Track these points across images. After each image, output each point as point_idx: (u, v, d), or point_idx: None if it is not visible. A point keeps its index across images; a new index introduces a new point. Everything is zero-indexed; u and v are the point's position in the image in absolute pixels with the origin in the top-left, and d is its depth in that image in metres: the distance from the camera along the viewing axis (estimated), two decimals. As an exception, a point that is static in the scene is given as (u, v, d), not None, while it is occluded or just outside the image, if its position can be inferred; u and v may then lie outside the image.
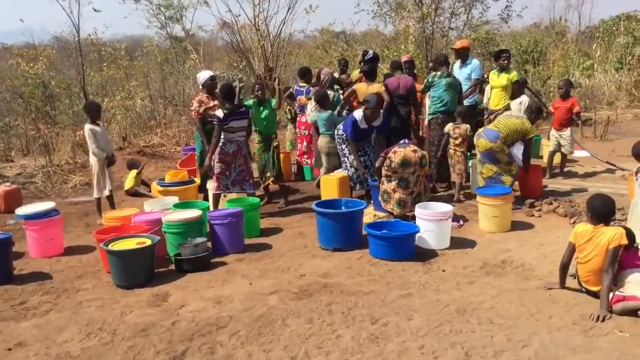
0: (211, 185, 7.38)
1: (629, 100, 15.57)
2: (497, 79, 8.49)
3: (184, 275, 5.42)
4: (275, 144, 7.63)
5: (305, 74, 9.12)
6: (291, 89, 9.20)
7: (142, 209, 6.74)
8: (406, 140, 6.60)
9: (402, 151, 6.41)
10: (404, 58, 9.12)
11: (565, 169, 8.85)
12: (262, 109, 7.51)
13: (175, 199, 6.99)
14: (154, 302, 4.83)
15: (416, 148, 6.54)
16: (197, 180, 8.06)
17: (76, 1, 11.51)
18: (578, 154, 9.42)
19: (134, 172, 8.98)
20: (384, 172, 6.55)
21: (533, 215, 6.89)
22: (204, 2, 14.65)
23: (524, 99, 8.29)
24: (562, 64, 16.40)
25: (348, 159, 7.36)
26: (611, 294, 4.30)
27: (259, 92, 7.53)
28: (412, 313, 4.41)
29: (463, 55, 8.74)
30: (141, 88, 14.63)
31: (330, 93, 8.00)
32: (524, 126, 6.97)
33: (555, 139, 8.56)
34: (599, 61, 17.03)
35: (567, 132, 8.49)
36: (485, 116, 8.58)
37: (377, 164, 6.58)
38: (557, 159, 8.93)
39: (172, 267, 5.64)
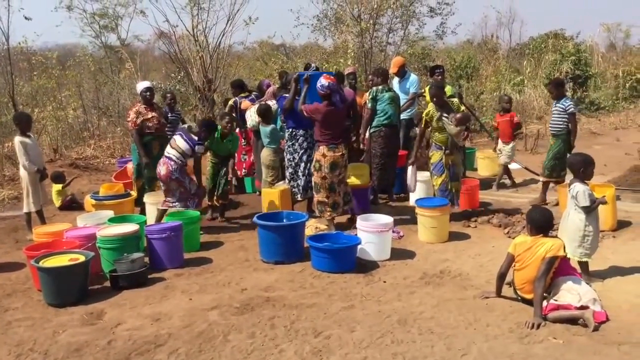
0: (149, 199, 7.21)
1: (556, 115, 16.27)
2: (432, 94, 8.68)
3: (120, 292, 5.24)
4: (225, 169, 7.58)
5: (241, 85, 9.27)
6: (231, 102, 9.14)
7: (75, 224, 6.49)
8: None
9: (331, 155, 6.65)
10: (347, 70, 9.18)
11: (499, 181, 9.14)
12: (225, 141, 7.49)
13: (110, 213, 6.78)
14: (88, 320, 4.64)
15: (343, 152, 6.77)
16: (134, 193, 7.85)
17: (5, 8, 11.13)
18: (510, 166, 9.77)
19: (58, 186, 8.64)
20: (315, 180, 6.77)
21: (469, 226, 7.08)
22: (140, 11, 14.43)
23: None
24: (494, 80, 17.00)
25: (300, 167, 7.31)
26: (545, 302, 4.46)
27: (229, 124, 7.44)
28: (355, 325, 4.43)
29: (400, 72, 8.90)
30: (74, 98, 14.14)
31: (274, 105, 7.98)
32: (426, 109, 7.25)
33: (503, 151, 8.95)
34: (529, 77, 17.78)
35: (510, 145, 8.91)
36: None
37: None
38: (491, 170, 9.27)
39: (107, 284, 5.44)
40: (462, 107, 7.11)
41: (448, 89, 8.75)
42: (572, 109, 7.55)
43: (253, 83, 13.03)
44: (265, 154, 7.73)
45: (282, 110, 7.41)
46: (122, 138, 12.76)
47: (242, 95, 8.98)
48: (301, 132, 7.21)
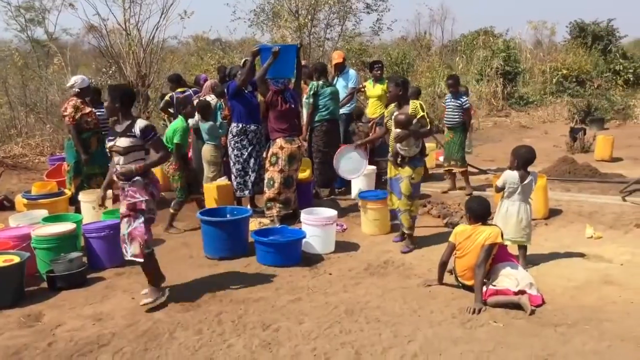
0: (85, 197, 6.93)
1: (488, 110, 16.88)
2: (372, 89, 8.80)
3: (58, 293, 5.05)
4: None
5: (178, 79, 9.12)
6: (167, 97, 8.95)
7: (7, 224, 6.20)
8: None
9: (289, 147, 6.69)
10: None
11: (433, 172, 9.43)
12: None
13: (44, 212, 6.50)
14: (26, 323, 4.45)
15: (300, 144, 6.83)
16: (68, 192, 7.56)
17: None
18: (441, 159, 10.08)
19: None
20: (269, 175, 6.69)
21: (410, 217, 7.23)
22: (69, 4, 13.88)
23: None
24: (429, 75, 17.41)
25: (249, 163, 7.18)
26: (485, 288, 4.63)
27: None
28: (303, 317, 4.45)
29: (340, 66, 8.97)
30: (-1, 94, 13.48)
31: (213, 100, 7.87)
32: None
33: None
34: (461, 73, 18.29)
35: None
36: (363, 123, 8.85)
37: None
38: (430, 163, 9.49)
39: (45, 285, 5.23)
40: (421, 113, 5.94)
41: (386, 85, 8.88)
42: (467, 105, 8.26)
43: (189, 78, 12.79)
44: (206, 150, 7.61)
45: (231, 94, 7.11)
46: (51, 135, 12.26)
47: (180, 90, 8.82)
48: (252, 127, 7.11)
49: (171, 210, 6.88)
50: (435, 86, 16.62)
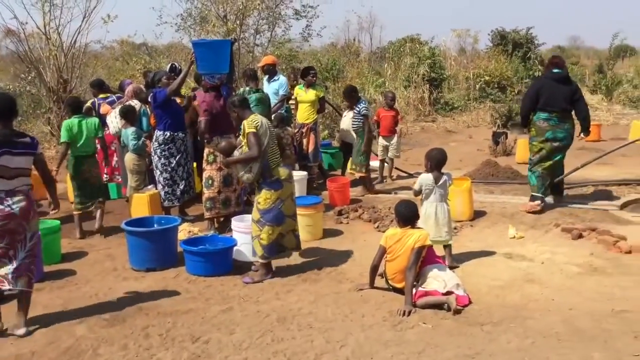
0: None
1: (416, 115, 17.24)
2: (305, 95, 8.79)
3: (-28, 311, 4.73)
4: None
5: (100, 84, 8.85)
6: (89, 103, 8.62)
7: None
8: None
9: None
10: None
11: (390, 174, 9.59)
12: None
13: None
14: None
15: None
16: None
17: None
18: (374, 164, 10.18)
19: None
20: (207, 174, 6.58)
21: (341, 223, 7.29)
22: (-16, 8, 13.15)
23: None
24: (358, 81, 17.59)
25: (177, 172, 7.08)
26: (414, 290, 4.70)
27: None
28: (234, 327, 4.38)
29: (269, 71, 8.94)
30: None
31: (137, 106, 7.63)
32: None
33: (383, 147, 9.34)
34: (390, 79, 18.61)
35: (394, 138, 9.42)
36: (297, 130, 8.82)
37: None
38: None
39: (-45, 304, 4.89)
40: (246, 132, 5.36)
41: (320, 91, 8.93)
42: (365, 111, 8.45)
43: (114, 83, 12.39)
44: (130, 159, 7.33)
45: (159, 102, 6.97)
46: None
47: (102, 96, 8.53)
48: (180, 135, 7.03)
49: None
50: (365, 92, 16.83)
